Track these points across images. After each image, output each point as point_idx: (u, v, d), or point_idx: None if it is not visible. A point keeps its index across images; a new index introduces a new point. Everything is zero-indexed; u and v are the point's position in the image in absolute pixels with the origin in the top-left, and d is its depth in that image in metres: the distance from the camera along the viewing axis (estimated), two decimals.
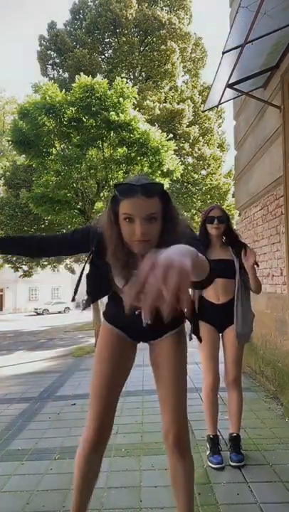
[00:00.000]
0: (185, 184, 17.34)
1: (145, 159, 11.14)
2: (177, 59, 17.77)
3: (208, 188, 17.43)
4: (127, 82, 11.30)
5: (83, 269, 1.47)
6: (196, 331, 1.62)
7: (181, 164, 12.84)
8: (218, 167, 18.07)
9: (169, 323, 1.49)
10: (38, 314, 28.32)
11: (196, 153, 17.13)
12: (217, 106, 4.38)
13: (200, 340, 1.69)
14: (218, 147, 18.83)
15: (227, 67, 3.21)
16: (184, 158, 17.09)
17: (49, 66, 19.15)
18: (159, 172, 11.53)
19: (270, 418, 3.13)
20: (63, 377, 5.30)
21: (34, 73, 65.09)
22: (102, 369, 1.50)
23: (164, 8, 19.28)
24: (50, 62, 19.00)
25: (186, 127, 16.94)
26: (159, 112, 16.18)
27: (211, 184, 17.45)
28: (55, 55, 18.78)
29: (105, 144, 11.22)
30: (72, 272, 23.19)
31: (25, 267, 18.40)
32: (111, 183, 11.55)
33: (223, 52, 3.09)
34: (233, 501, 1.96)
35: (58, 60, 18.70)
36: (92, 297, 1.48)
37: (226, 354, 2.46)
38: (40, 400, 4.08)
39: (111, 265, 1.33)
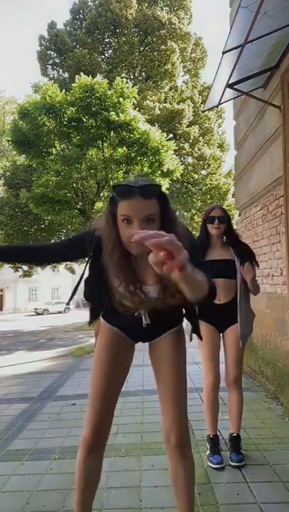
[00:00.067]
0: (185, 184, 17.34)
1: (145, 159, 11.15)
2: (177, 59, 17.77)
3: (208, 188, 17.43)
4: (127, 82, 11.31)
5: (83, 273, 1.49)
6: (196, 330, 1.62)
7: (181, 164, 12.85)
8: (218, 167, 18.07)
9: (168, 322, 1.49)
10: (38, 314, 28.31)
11: (196, 153, 17.13)
12: (217, 106, 4.38)
13: (200, 338, 1.69)
14: (218, 147, 18.83)
15: (227, 67, 3.21)
16: (184, 158, 17.09)
17: (49, 66, 19.15)
18: (159, 172, 11.54)
19: (270, 418, 3.13)
20: (63, 377, 5.30)
21: (34, 73, 65.14)
22: (101, 369, 1.50)
23: (164, 8, 19.27)
24: (50, 62, 19.00)
25: (186, 127, 16.94)
26: (159, 112, 16.17)
27: (211, 184, 17.45)
28: (55, 55, 18.78)
29: (105, 144, 11.23)
30: (73, 272, 23.20)
31: (25, 267, 18.42)
32: (111, 183, 11.56)
33: (223, 52, 3.09)
34: (233, 501, 1.96)
35: (58, 60, 18.70)
36: (94, 307, 1.51)
37: (226, 354, 2.46)
38: (40, 400, 4.08)
39: (107, 265, 1.33)
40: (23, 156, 13.22)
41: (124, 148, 11.09)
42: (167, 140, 11.39)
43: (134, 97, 11.37)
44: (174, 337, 1.51)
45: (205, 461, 2.38)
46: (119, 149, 11.20)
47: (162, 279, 1.33)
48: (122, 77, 11.77)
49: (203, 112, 16.82)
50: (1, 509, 1.99)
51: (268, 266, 3.98)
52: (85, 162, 10.76)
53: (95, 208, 12.02)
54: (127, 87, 10.97)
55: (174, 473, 1.49)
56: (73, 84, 10.91)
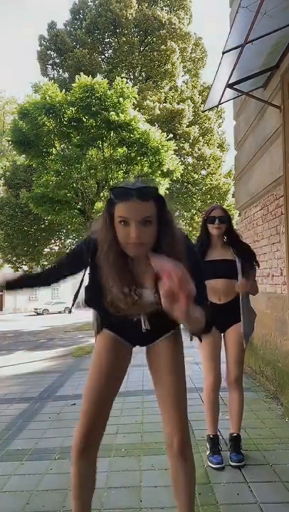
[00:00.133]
0: (185, 184, 17.34)
1: (145, 159, 11.15)
2: (177, 59, 17.77)
3: (208, 188, 17.44)
4: (127, 82, 11.31)
5: (82, 279, 1.49)
6: None
7: (181, 164, 12.86)
8: (218, 167, 18.07)
9: (165, 325, 1.47)
10: (38, 314, 28.30)
11: (196, 153, 17.14)
12: (217, 106, 4.39)
13: (200, 339, 1.69)
14: (218, 147, 18.83)
15: (227, 67, 3.20)
16: (184, 158, 17.09)
17: (49, 66, 19.15)
18: (159, 172, 11.55)
19: (270, 418, 3.13)
20: (63, 377, 5.30)
21: (34, 73, 65.10)
22: (97, 374, 1.48)
23: (164, 8, 19.27)
24: (50, 62, 19.01)
25: (186, 127, 16.94)
26: (159, 112, 16.18)
27: (211, 184, 17.45)
28: (55, 55, 18.79)
29: (105, 144, 11.23)
30: None
31: (25, 267, 18.40)
32: (111, 183, 11.56)
33: (223, 52, 3.09)
34: (233, 501, 1.95)
35: (58, 60, 18.70)
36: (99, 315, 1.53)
37: (227, 354, 2.46)
38: (40, 400, 4.08)
39: (101, 265, 1.33)
40: (23, 156, 13.22)
41: (124, 148, 11.09)
42: (167, 140, 11.39)
43: (134, 97, 11.37)
44: (172, 340, 1.50)
45: (205, 461, 2.38)
46: (119, 149, 11.21)
47: (158, 289, 1.32)
48: (122, 77, 11.77)
49: (203, 111, 16.82)
50: (1, 509, 1.99)
51: (267, 266, 3.98)
52: (85, 162, 10.76)
53: (95, 207, 12.01)
54: (127, 87, 10.97)
55: (174, 475, 1.48)
56: (73, 84, 10.91)
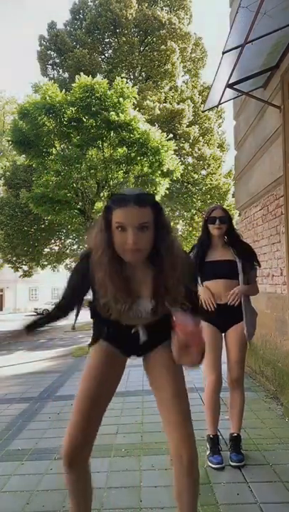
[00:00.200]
0: (185, 184, 17.34)
1: (145, 159, 11.15)
2: (177, 59, 17.77)
3: (208, 188, 17.43)
4: (127, 82, 11.31)
5: (82, 300, 1.50)
6: None
7: (181, 164, 12.85)
8: (218, 167, 18.07)
9: (163, 336, 1.47)
10: (38, 314, 27.99)
11: (196, 153, 17.13)
12: (217, 106, 4.38)
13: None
14: (218, 147, 18.83)
15: (227, 67, 3.20)
16: (184, 158, 17.08)
17: (49, 66, 19.14)
18: (159, 172, 11.54)
19: (270, 418, 3.14)
20: (63, 377, 5.30)
21: (34, 73, 65.04)
22: (88, 386, 1.45)
23: (164, 8, 19.27)
24: (50, 62, 19.00)
25: (186, 127, 16.93)
26: (159, 112, 16.17)
27: (211, 184, 17.45)
28: (55, 55, 18.78)
29: (105, 144, 11.23)
30: None
31: (25, 267, 18.40)
32: (111, 183, 11.56)
33: (223, 52, 3.09)
34: (233, 501, 1.95)
35: (58, 60, 18.70)
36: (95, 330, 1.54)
37: (229, 354, 2.46)
38: (40, 400, 4.08)
39: (95, 268, 1.31)
40: (23, 156, 13.22)
41: (124, 148, 11.08)
42: (167, 140, 11.38)
43: (134, 97, 11.36)
44: (167, 348, 1.46)
45: (205, 461, 2.38)
46: (119, 149, 11.20)
47: (156, 293, 1.32)
48: (122, 77, 11.77)
49: (203, 111, 16.82)
50: (1, 509, 1.99)
51: (267, 266, 3.98)
52: (85, 162, 10.76)
53: (95, 207, 12.01)
54: (127, 87, 10.97)
55: (179, 490, 1.41)
56: (73, 84, 10.90)
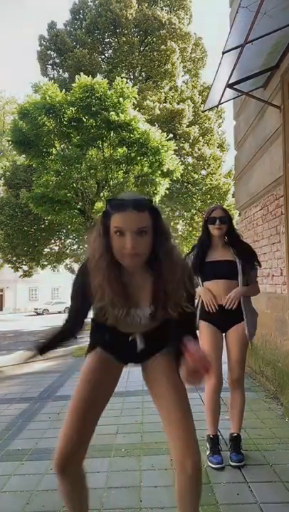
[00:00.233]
0: (185, 184, 17.34)
1: (145, 159, 11.15)
2: (177, 59, 17.77)
3: (208, 188, 17.43)
4: (127, 82, 11.30)
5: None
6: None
7: (181, 164, 12.85)
8: (218, 167, 18.07)
9: (161, 344, 1.46)
10: (38, 314, 28.28)
11: (196, 153, 17.13)
12: (217, 106, 4.38)
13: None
14: (218, 147, 18.83)
15: (227, 67, 3.20)
16: (184, 158, 17.08)
17: (49, 66, 19.15)
18: (159, 172, 11.54)
19: (270, 418, 3.14)
20: (63, 377, 5.30)
21: (34, 73, 65.08)
22: (83, 388, 1.43)
23: (164, 8, 19.27)
24: (50, 62, 19.00)
25: (186, 127, 16.93)
26: (159, 112, 16.17)
27: (211, 184, 17.45)
28: (55, 55, 18.78)
29: (105, 144, 11.23)
30: (73, 271, 23.13)
31: (25, 267, 18.39)
32: (111, 183, 11.56)
33: (223, 52, 3.09)
34: (233, 501, 1.95)
35: (58, 60, 18.70)
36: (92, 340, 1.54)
37: (229, 354, 2.46)
38: (40, 400, 4.08)
39: (92, 273, 1.30)
40: (23, 156, 13.21)
41: (124, 148, 11.08)
42: (167, 140, 11.38)
43: (134, 97, 11.36)
44: (168, 355, 1.45)
45: (205, 461, 2.38)
46: (119, 149, 11.20)
47: (155, 298, 1.32)
48: (122, 77, 11.76)
49: (203, 111, 16.82)
50: (1, 509, 1.99)
51: (267, 266, 3.98)
52: (85, 162, 10.75)
53: (95, 207, 12.00)
54: (127, 87, 10.96)
55: (181, 493, 1.38)
56: (73, 84, 10.90)
